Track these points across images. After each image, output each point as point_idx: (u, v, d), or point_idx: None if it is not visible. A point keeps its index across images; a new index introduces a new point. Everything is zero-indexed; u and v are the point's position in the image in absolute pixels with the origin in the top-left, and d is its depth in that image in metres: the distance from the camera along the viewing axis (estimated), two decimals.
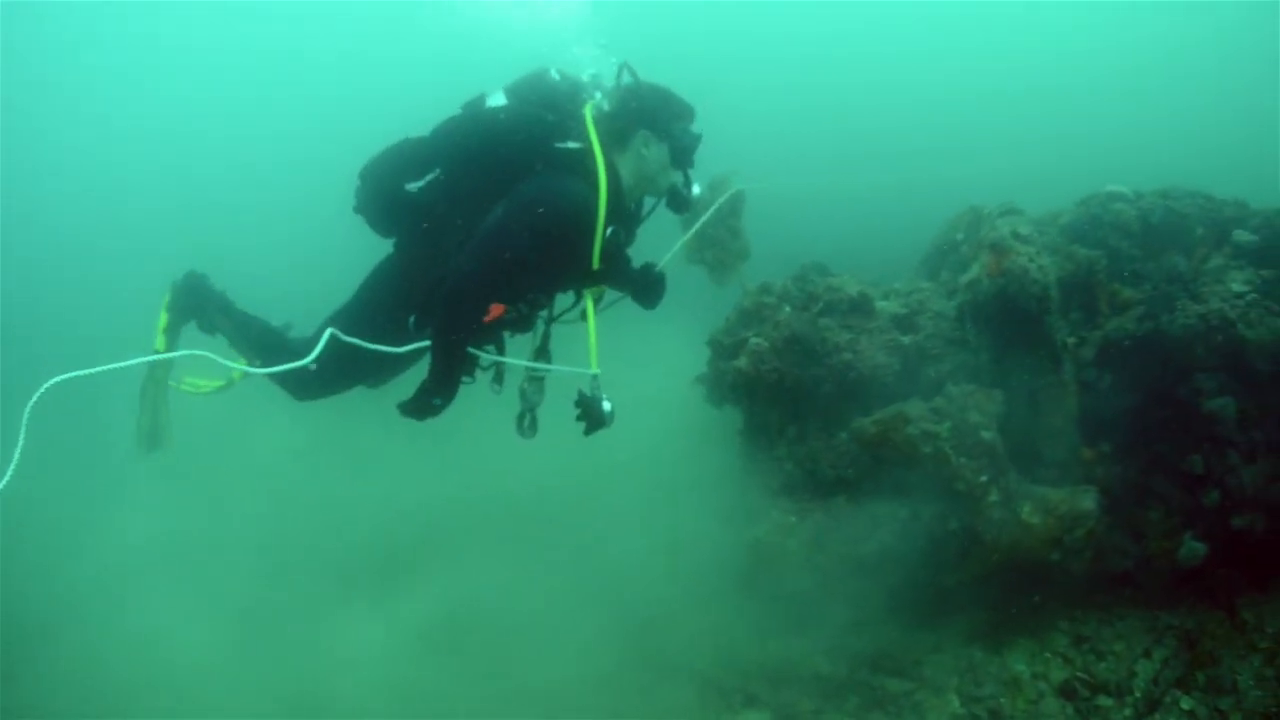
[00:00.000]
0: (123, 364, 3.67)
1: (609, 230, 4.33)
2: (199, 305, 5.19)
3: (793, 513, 6.17)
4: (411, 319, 4.57)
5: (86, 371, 3.28)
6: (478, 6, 5.61)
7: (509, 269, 4.18)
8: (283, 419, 6.07)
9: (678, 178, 4.70)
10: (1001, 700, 6.09)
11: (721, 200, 6.03)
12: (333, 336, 4.27)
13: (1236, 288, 6.69)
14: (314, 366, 4.40)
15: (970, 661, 6.33)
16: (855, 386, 6.20)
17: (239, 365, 4.94)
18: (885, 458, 6.00)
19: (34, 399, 3.10)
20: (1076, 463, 6.46)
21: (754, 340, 6.19)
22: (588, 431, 4.55)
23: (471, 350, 4.52)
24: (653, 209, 4.92)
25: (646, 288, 4.99)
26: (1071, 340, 6.63)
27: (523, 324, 4.73)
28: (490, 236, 4.20)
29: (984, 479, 5.91)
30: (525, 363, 4.80)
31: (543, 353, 4.87)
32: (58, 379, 3.20)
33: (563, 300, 4.99)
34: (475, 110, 4.62)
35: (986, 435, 5.97)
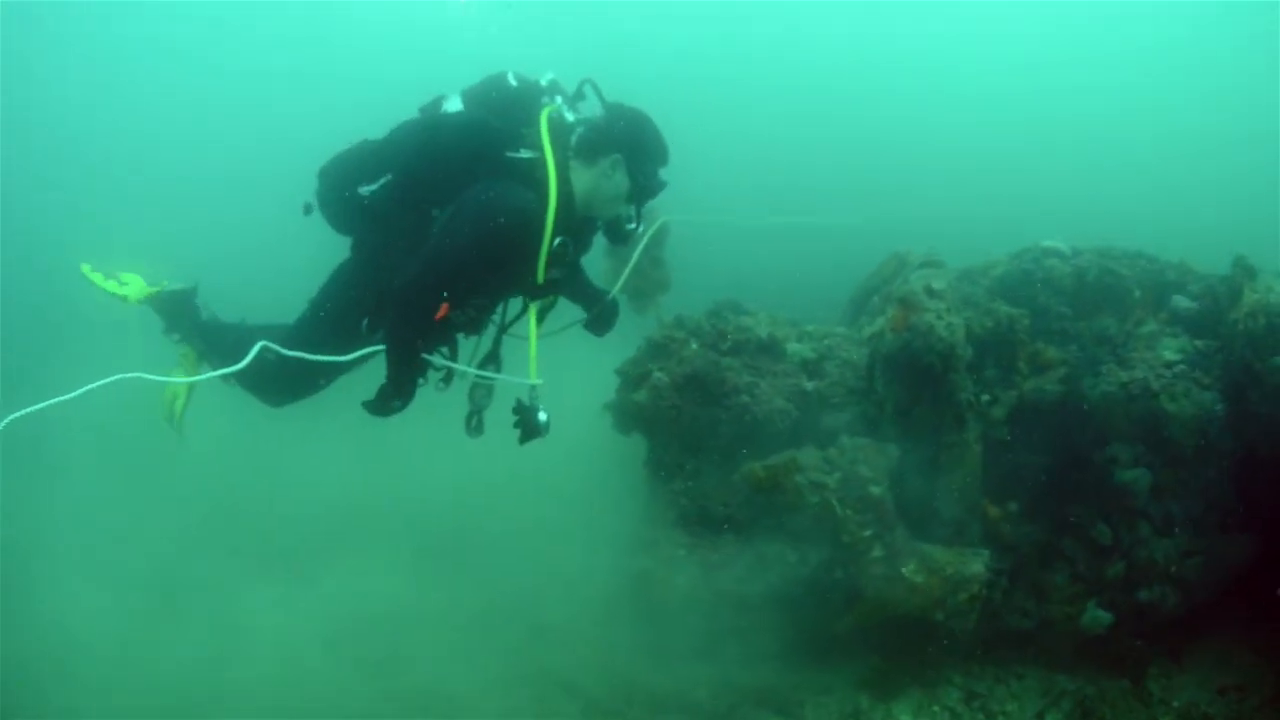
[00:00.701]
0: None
1: (556, 241, 4.22)
2: (177, 315, 5.27)
3: (682, 546, 6.07)
4: (365, 322, 4.56)
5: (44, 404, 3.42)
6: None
7: (454, 275, 4.11)
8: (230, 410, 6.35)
9: (628, 211, 4.55)
10: None
11: (653, 229, 6.02)
12: (265, 348, 4.21)
13: (1168, 355, 6.37)
14: (271, 372, 4.47)
15: (856, 707, 6.13)
16: (752, 429, 6.08)
17: (176, 379, 5.08)
18: (775, 502, 5.84)
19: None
20: (977, 521, 6.23)
21: (656, 374, 6.10)
22: (523, 440, 4.46)
23: (424, 355, 4.52)
24: (599, 229, 4.79)
25: (600, 315, 4.93)
26: (985, 398, 6.35)
27: (473, 327, 4.64)
28: (436, 243, 4.17)
29: (868, 534, 5.75)
30: (470, 370, 4.72)
31: (493, 358, 4.82)
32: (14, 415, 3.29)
33: (515, 307, 4.87)
34: (430, 115, 4.55)
35: (875, 490, 5.77)
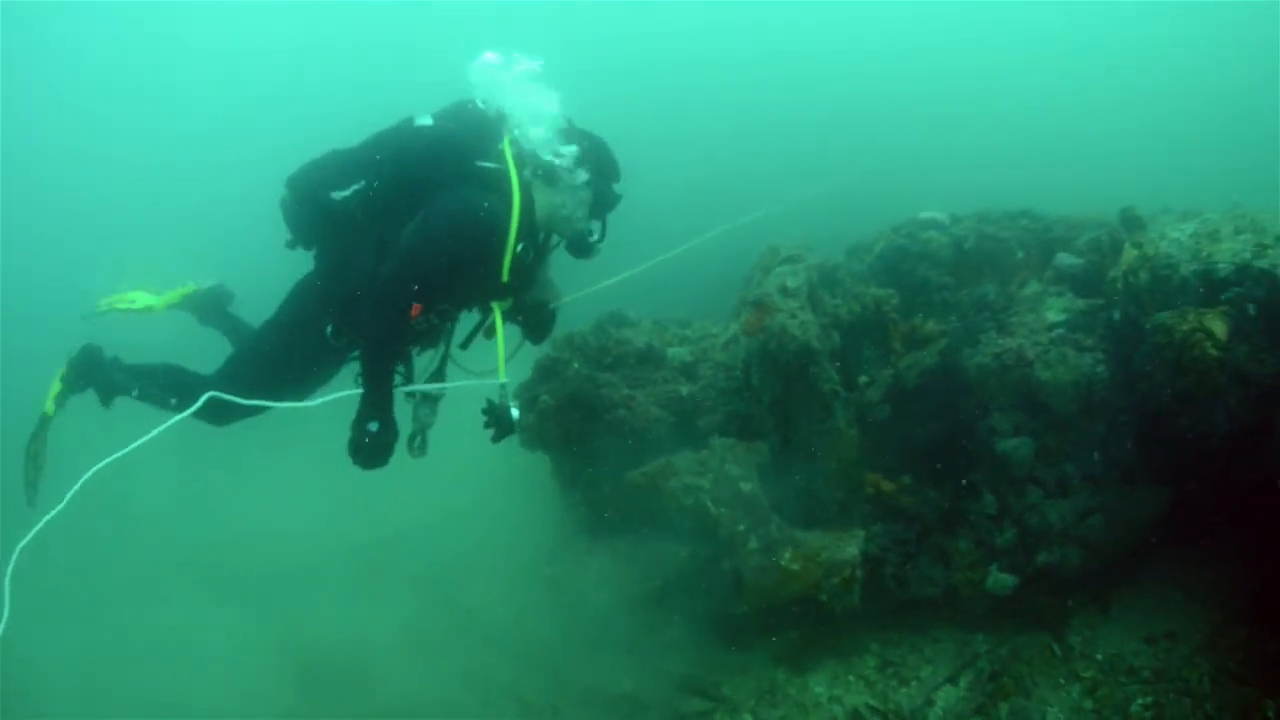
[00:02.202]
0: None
1: (519, 246, 4.37)
2: (96, 375, 5.19)
3: (586, 552, 6.22)
4: (329, 328, 4.61)
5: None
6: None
7: (427, 273, 4.20)
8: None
9: (591, 226, 4.72)
10: None
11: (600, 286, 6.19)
12: (213, 397, 4.31)
13: (1051, 316, 6.01)
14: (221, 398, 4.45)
15: (773, 682, 6.11)
16: (633, 438, 6.08)
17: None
18: (658, 505, 5.86)
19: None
20: (861, 501, 6.08)
21: (543, 398, 6.17)
22: (496, 438, 4.52)
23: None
24: (555, 246, 4.89)
25: (538, 323, 5.03)
26: (863, 379, 6.16)
27: (430, 337, 4.73)
28: (409, 243, 4.24)
29: (742, 528, 5.67)
30: (435, 386, 4.82)
31: (439, 375, 4.89)
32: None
33: (462, 327, 4.97)
34: (403, 127, 4.59)
35: (745, 487, 5.69)
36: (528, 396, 6.11)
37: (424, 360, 4.98)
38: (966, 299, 6.38)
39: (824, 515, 5.90)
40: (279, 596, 6.92)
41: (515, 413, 4.57)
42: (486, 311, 4.74)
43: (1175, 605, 6.05)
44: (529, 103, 4.70)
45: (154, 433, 4.14)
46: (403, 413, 4.79)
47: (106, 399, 5.23)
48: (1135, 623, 6.07)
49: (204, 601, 6.85)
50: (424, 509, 7.20)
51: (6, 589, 3.62)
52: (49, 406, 5.22)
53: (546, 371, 6.18)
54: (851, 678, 6.24)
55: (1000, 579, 6.01)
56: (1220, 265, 5.35)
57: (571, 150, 4.57)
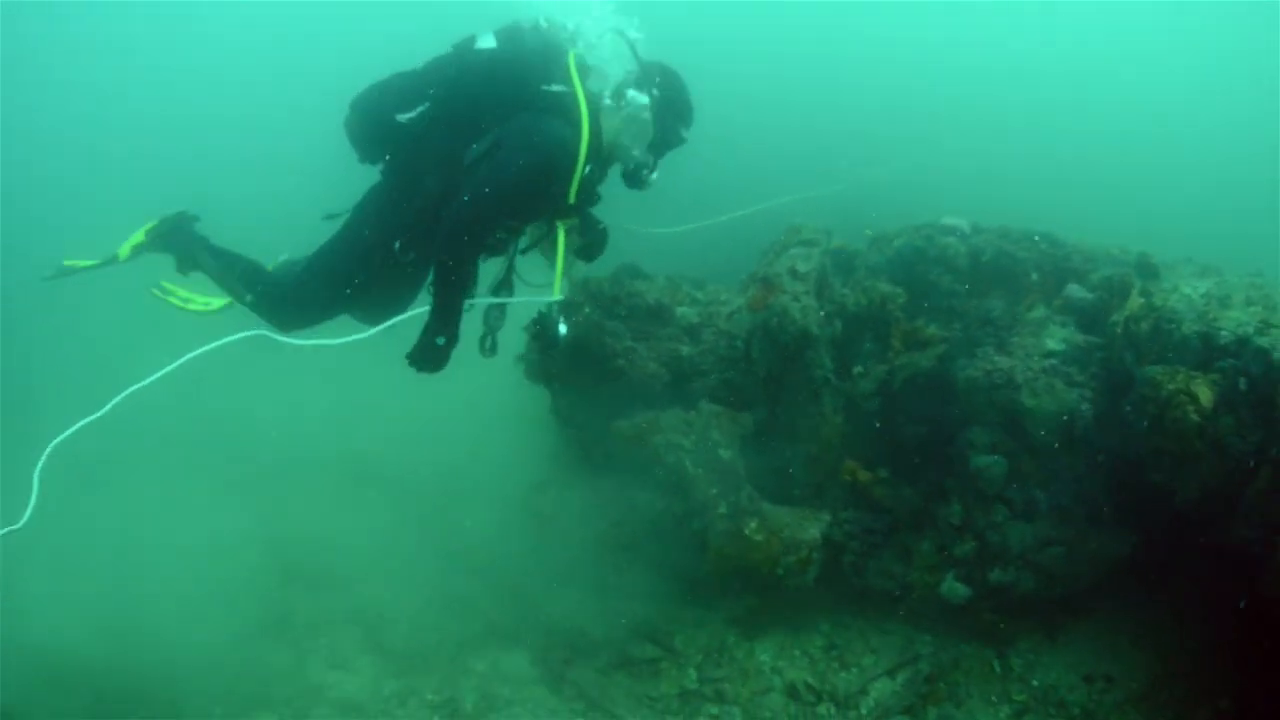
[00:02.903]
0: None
1: (587, 168, 4.36)
2: (182, 244, 5.12)
3: (571, 487, 6.43)
4: (398, 244, 4.58)
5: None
6: None
7: (500, 203, 4.27)
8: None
9: (646, 159, 4.68)
10: (729, 685, 6.09)
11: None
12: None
13: (1051, 344, 6.06)
14: (290, 300, 4.69)
15: (723, 643, 6.31)
16: (629, 388, 6.27)
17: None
18: (641, 456, 6.07)
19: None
20: (836, 486, 6.22)
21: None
22: (542, 351, 4.79)
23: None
24: (613, 164, 4.83)
25: (593, 241, 4.98)
26: (858, 369, 6.31)
27: (498, 250, 4.76)
28: (488, 173, 4.26)
29: (714, 491, 5.85)
30: (497, 299, 4.93)
31: (505, 283, 4.95)
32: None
33: (525, 237, 4.97)
34: (465, 50, 4.58)
35: (724, 454, 5.88)
36: (539, 333, 6.37)
37: (488, 267, 4.96)
38: (973, 310, 6.47)
39: (797, 494, 6.08)
40: (266, 489, 7.19)
41: (564, 329, 4.78)
42: (551, 225, 4.74)
43: (1121, 649, 6.11)
44: (596, 26, 4.69)
45: (220, 342, 4.21)
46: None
47: (184, 268, 5.17)
48: (1078, 658, 6.18)
49: (188, 486, 7.07)
50: (423, 424, 7.42)
51: (35, 483, 3.68)
52: (123, 250, 5.09)
53: (561, 312, 6.45)
54: (797, 652, 6.43)
55: (954, 587, 6.12)
56: (1223, 332, 5.37)
57: (632, 77, 4.58)
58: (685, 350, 6.20)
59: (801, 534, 5.74)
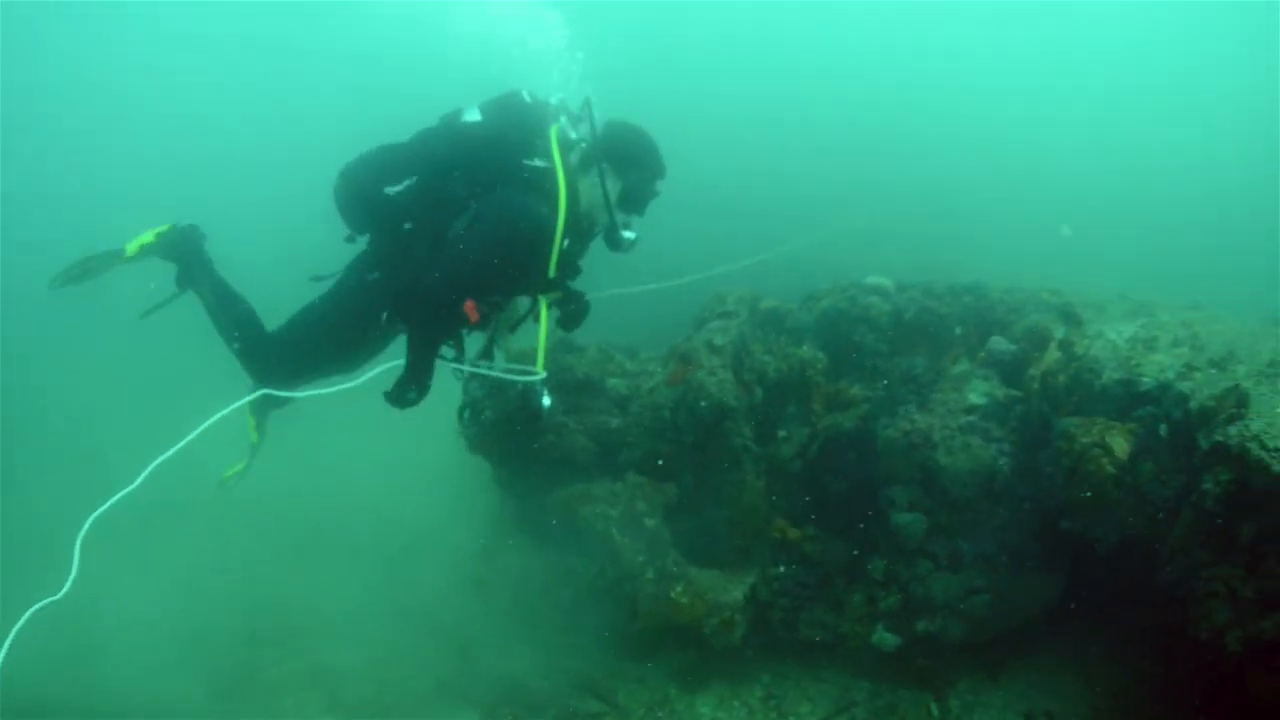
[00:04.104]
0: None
1: (565, 243, 4.36)
2: (188, 258, 5.03)
3: (513, 553, 6.50)
4: (384, 315, 4.63)
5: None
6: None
7: (473, 274, 4.26)
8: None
9: (620, 218, 4.66)
10: None
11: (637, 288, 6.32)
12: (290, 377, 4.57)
13: (973, 399, 6.03)
14: (274, 355, 4.68)
15: (665, 696, 6.34)
16: (561, 460, 6.38)
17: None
18: (573, 525, 6.19)
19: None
20: (763, 546, 6.27)
21: (485, 414, 6.39)
22: (525, 425, 4.74)
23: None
24: (596, 235, 4.83)
25: (575, 312, 4.92)
26: (782, 434, 6.34)
27: (483, 324, 4.75)
28: (461, 246, 4.27)
29: (641, 559, 5.94)
30: (473, 368, 4.92)
31: (486, 354, 5.00)
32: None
33: (516, 309, 5.01)
34: (451, 124, 4.61)
35: (649, 522, 5.97)
36: (476, 409, 6.50)
37: (472, 339, 5.02)
38: (897, 368, 6.41)
39: (724, 557, 6.14)
40: (230, 551, 7.40)
41: (547, 401, 4.75)
42: (534, 300, 4.74)
43: (1063, 686, 6.09)
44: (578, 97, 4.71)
45: (224, 411, 4.34)
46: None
47: (182, 284, 5.05)
48: (1018, 696, 6.15)
49: (151, 548, 7.25)
50: (376, 489, 7.59)
51: (76, 555, 3.80)
52: (130, 248, 4.95)
53: (495, 390, 6.57)
54: (737, 703, 6.43)
55: (884, 637, 6.13)
56: (1144, 379, 5.31)
57: (584, 141, 4.57)
58: (614, 423, 6.26)
59: (725, 596, 5.79)
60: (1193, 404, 4.88)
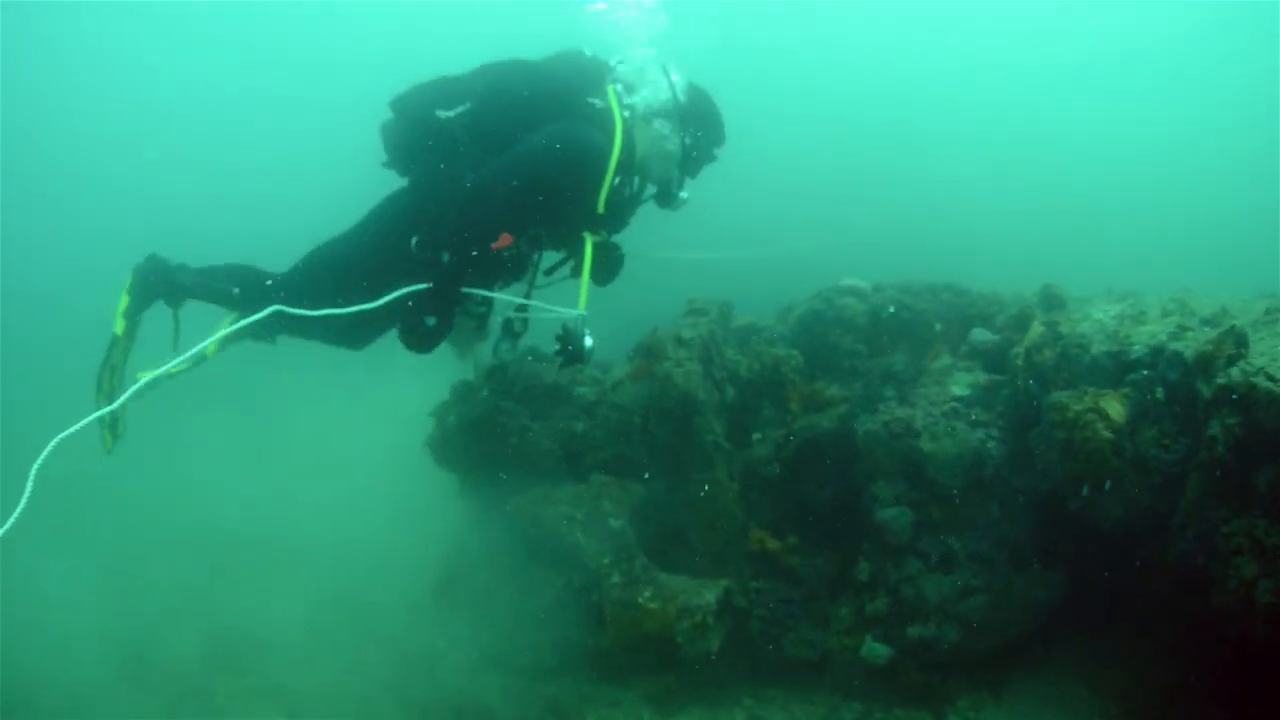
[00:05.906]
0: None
1: (617, 179, 4.26)
2: (163, 283, 4.68)
3: (479, 566, 6.16)
4: (415, 239, 4.33)
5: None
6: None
7: (523, 191, 4.11)
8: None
9: (678, 176, 4.64)
10: None
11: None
12: (283, 303, 4.04)
13: (958, 391, 5.61)
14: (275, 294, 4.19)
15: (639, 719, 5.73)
16: (526, 465, 6.07)
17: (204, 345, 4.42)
18: (538, 531, 5.84)
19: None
20: (736, 552, 5.84)
21: (450, 419, 6.18)
22: (564, 365, 4.38)
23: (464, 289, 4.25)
24: (647, 199, 4.75)
25: (610, 263, 4.68)
26: (756, 436, 5.93)
27: (519, 265, 4.52)
28: (512, 161, 4.16)
29: (607, 561, 5.49)
30: (511, 298, 4.66)
31: (521, 309, 4.70)
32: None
33: (548, 259, 4.76)
34: (513, 60, 4.52)
35: (615, 523, 5.53)
36: (441, 415, 6.17)
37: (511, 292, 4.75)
38: (876, 368, 5.98)
39: (698, 562, 5.61)
40: (186, 569, 7.02)
41: (589, 342, 4.36)
42: (574, 247, 4.54)
43: (1075, 700, 5.50)
44: (636, 55, 4.65)
45: (209, 340, 4.07)
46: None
47: (175, 302, 4.70)
48: (1023, 713, 5.59)
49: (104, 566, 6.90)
50: (340, 501, 7.15)
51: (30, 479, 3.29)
52: (118, 327, 4.58)
53: (460, 395, 6.24)
54: None
55: (874, 648, 5.51)
56: (1135, 347, 4.88)
57: (666, 99, 4.53)
58: (580, 426, 5.86)
59: (696, 599, 5.23)
60: (1188, 354, 4.44)
